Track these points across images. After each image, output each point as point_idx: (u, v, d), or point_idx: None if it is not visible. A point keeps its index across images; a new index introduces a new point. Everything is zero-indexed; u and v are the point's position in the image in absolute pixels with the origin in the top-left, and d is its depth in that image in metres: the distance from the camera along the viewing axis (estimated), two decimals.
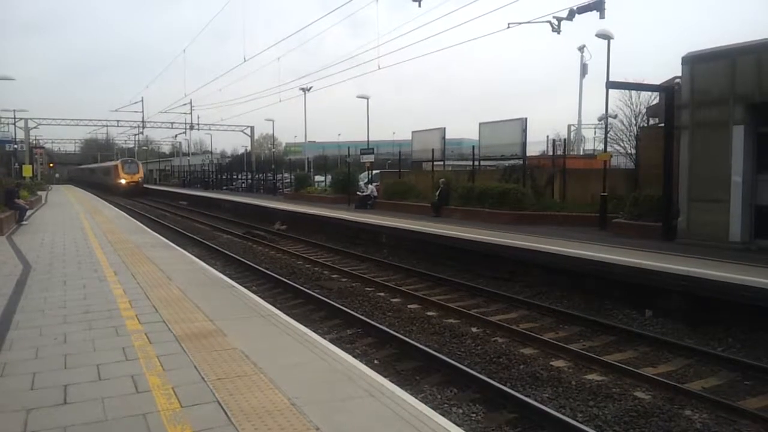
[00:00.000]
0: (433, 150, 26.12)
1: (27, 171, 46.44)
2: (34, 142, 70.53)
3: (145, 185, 62.06)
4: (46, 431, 4.08)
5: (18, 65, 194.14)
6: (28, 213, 22.08)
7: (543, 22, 17.96)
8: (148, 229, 18.88)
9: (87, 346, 6.01)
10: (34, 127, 66.48)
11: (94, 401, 4.57)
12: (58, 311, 7.54)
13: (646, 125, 27.00)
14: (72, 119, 69.45)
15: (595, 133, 53.28)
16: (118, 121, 70.54)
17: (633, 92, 32.16)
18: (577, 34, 39.38)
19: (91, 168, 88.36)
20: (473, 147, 25.31)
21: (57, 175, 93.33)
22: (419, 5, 18.09)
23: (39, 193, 37.18)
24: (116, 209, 29.61)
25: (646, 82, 21.18)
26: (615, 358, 8.23)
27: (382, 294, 12.44)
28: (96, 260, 11.80)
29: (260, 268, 15.22)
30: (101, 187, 65.07)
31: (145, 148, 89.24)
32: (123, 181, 58.43)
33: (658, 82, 17.51)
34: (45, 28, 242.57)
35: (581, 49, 35.55)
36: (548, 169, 22.48)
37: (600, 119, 37.76)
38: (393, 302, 11.70)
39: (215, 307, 7.71)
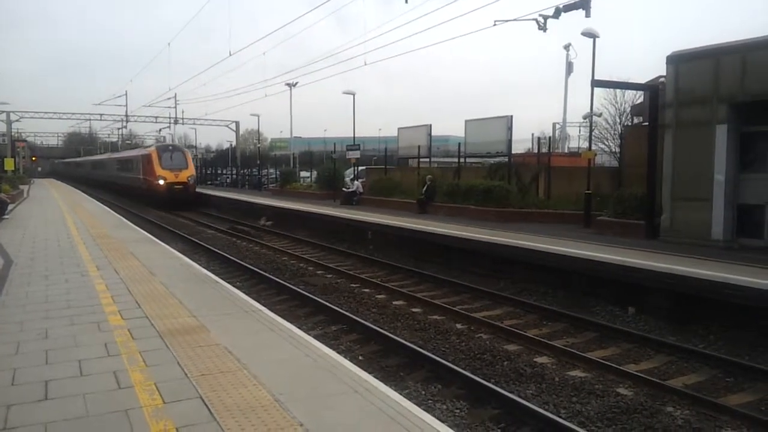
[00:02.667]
0: (419, 147, 26.15)
1: (9, 164, 45.84)
2: (16, 135, 69.52)
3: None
4: (27, 427, 4.03)
5: (1, 59, 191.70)
6: (10, 207, 21.81)
7: (529, 20, 18.00)
8: (132, 224, 18.73)
9: (69, 342, 5.95)
10: (16, 120, 65.58)
11: (75, 397, 4.53)
12: (40, 306, 7.46)
13: (630, 124, 27.20)
14: (55, 112, 68.47)
15: (579, 132, 53.44)
16: (101, 114, 69.59)
17: (618, 91, 32.38)
18: (563, 32, 39.62)
19: (97, 161, 64.62)
20: (459, 144, 25.37)
21: (39, 169, 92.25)
22: (406, 1, 18.07)
23: (21, 186, 36.75)
24: (99, 204, 29.33)
25: (632, 80, 21.31)
26: (598, 355, 8.29)
27: (367, 290, 12.44)
28: (78, 255, 11.69)
29: (245, 263, 15.15)
30: (120, 190, 45.77)
31: (128, 142, 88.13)
32: (161, 182, 34.60)
33: (643, 81, 17.64)
34: (29, 22, 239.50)
35: (567, 47, 35.74)
36: (533, 167, 22.58)
37: (585, 117, 37.93)
38: (378, 298, 11.70)
39: (199, 302, 7.67)
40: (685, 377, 7.57)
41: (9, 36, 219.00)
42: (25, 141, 72.72)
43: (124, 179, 44.46)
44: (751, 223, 12.82)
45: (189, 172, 36.07)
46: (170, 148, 38.05)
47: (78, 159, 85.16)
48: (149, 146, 42.21)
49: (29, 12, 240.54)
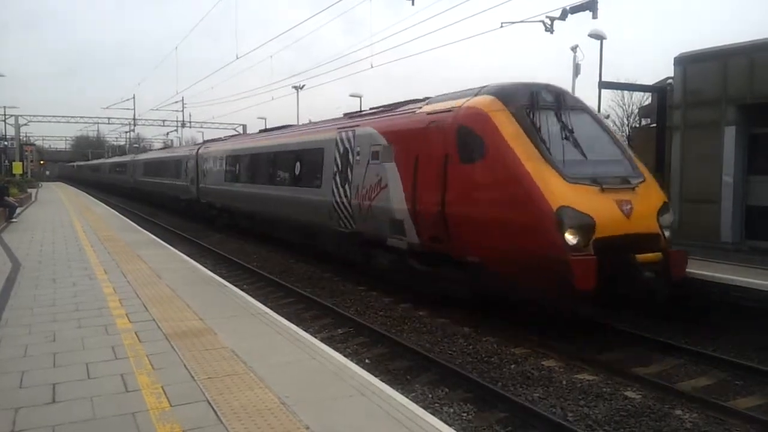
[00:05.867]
0: None
1: (17, 168, 46.03)
2: (24, 139, 69.84)
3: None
4: (35, 430, 4.05)
5: (8, 62, 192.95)
6: (18, 210, 21.93)
7: (536, 21, 17.97)
8: (139, 227, 18.79)
9: (76, 345, 5.97)
10: (25, 124, 65.83)
11: (83, 400, 4.55)
12: (48, 309, 7.50)
13: (638, 125, 27.15)
14: (63, 116, 68.86)
15: None
16: (109, 118, 69.92)
17: (625, 93, 32.32)
18: (571, 34, 39.52)
19: (157, 162, 35.23)
20: None
21: (47, 173, 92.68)
22: (412, 3, 18.03)
23: (29, 190, 36.96)
24: (107, 207, 29.44)
25: (639, 82, 21.26)
26: (606, 358, 8.24)
27: (374, 293, 12.41)
28: (86, 258, 11.74)
29: (251, 266, 15.16)
30: (264, 230, 19.44)
31: (136, 145, 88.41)
32: (574, 240, 7.73)
33: (651, 83, 17.59)
34: (36, 25, 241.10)
35: (574, 49, 35.58)
36: None
37: None
38: (384, 301, 11.67)
39: (206, 305, 7.68)
40: (694, 380, 7.52)
41: (17, 39, 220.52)
42: (33, 145, 73.03)
43: (289, 203, 16.30)
44: (760, 224, 12.72)
45: (657, 196, 9.20)
46: (562, 98, 9.53)
47: (113, 160, 60.16)
48: (444, 95, 10.87)
49: (36, 15, 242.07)
